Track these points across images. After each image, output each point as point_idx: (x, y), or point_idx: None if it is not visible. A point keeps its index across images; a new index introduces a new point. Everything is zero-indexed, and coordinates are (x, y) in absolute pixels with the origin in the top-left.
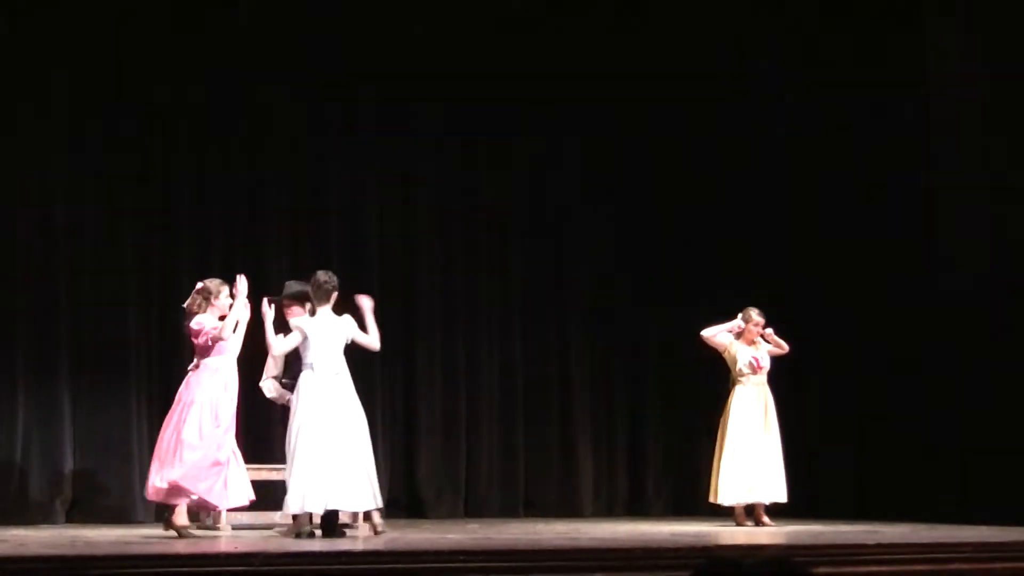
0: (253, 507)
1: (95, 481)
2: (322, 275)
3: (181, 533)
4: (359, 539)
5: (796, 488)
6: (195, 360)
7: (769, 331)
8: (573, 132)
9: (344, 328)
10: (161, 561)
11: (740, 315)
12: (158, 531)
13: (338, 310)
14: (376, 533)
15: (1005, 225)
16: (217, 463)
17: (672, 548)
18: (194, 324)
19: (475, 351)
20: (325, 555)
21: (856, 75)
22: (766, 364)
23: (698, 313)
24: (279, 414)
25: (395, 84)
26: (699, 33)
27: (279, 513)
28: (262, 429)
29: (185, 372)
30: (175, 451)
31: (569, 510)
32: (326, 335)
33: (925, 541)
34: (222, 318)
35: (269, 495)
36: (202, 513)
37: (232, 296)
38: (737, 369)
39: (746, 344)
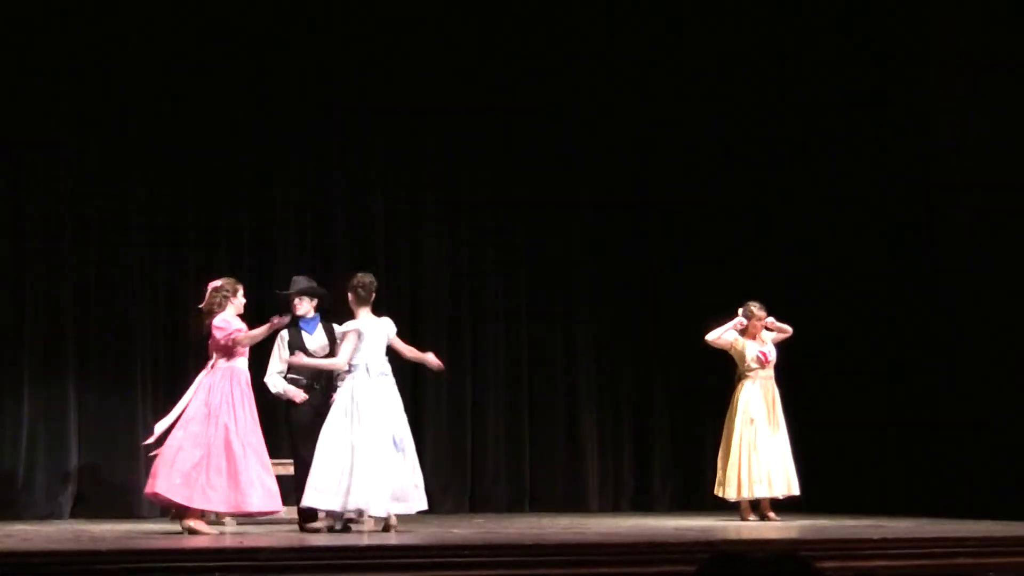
0: None
1: (100, 476)
2: (364, 277)
3: (192, 530)
4: (364, 534)
5: (802, 482)
6: (213, 359)
7: (770, 319)
8: (582, 130)
9: (386, 329)
10: (166, 556)
11: (740, 311)
12: (163, 526)
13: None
14: (388, 530)
15: (1007, 224)
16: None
17: (677, 543)
18: (219, 322)
19: (481, 346)
20: (331, 550)
21: (856, 74)
22: (773, 358)
23: (704, 307)
24: (283, 409)
25: (398, 82)
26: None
27: (283, 508)
28: (266, 425)
29: (186, 368)
30: (224, 462)
31: (575, 505)
32: (374, 336)
33: (930, 536)
34: (239, 316)
35: None
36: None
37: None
38: (745, 364)
39: (751, 339)
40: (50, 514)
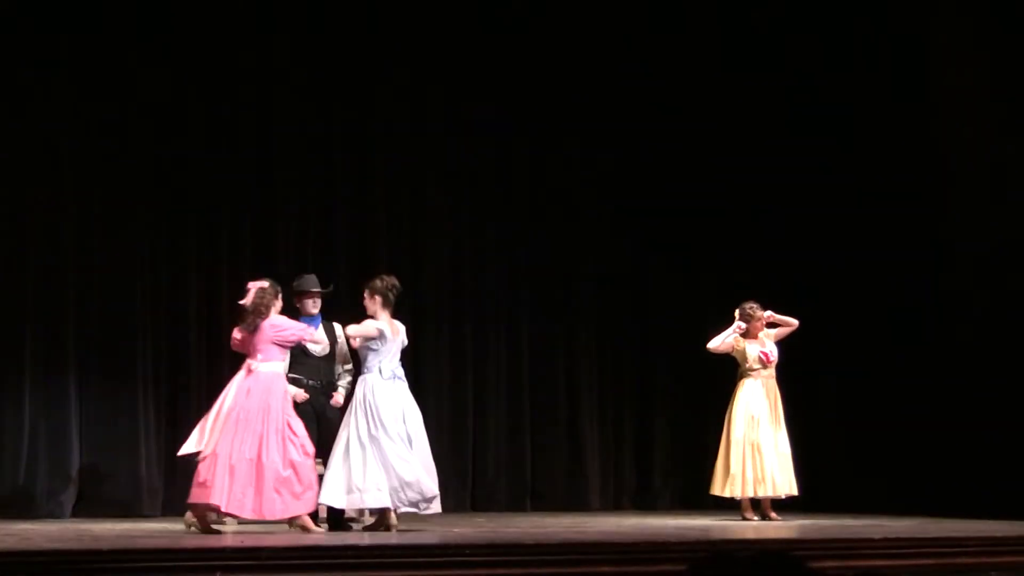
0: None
1: (101, 475)
2: (391, 279)
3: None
4: (365, 533)
5: (803, 482)
6: (258, 357)
7: (770, 313)
8: (579, 125)
9: (403, 334)
10: (167, 556)
11: (737, 313)
12: (164, 525)
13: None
14: (388, 529)
15: (1010, 222)
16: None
17: (679, 542)
18: (276, 321)
19: (482, 345)
20: (332, 549)
21: (858, 72)
22: (775, 357)
23: (706, 306)
24: None
25: (402, 80)
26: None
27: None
28: None
29: (187, 366)
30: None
31: (576, 503)
32: (394, 340)
33: (931, 535)
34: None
35: None
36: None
37: None
38: (748, 364)
39: (753, 338)
40: (51, 513)
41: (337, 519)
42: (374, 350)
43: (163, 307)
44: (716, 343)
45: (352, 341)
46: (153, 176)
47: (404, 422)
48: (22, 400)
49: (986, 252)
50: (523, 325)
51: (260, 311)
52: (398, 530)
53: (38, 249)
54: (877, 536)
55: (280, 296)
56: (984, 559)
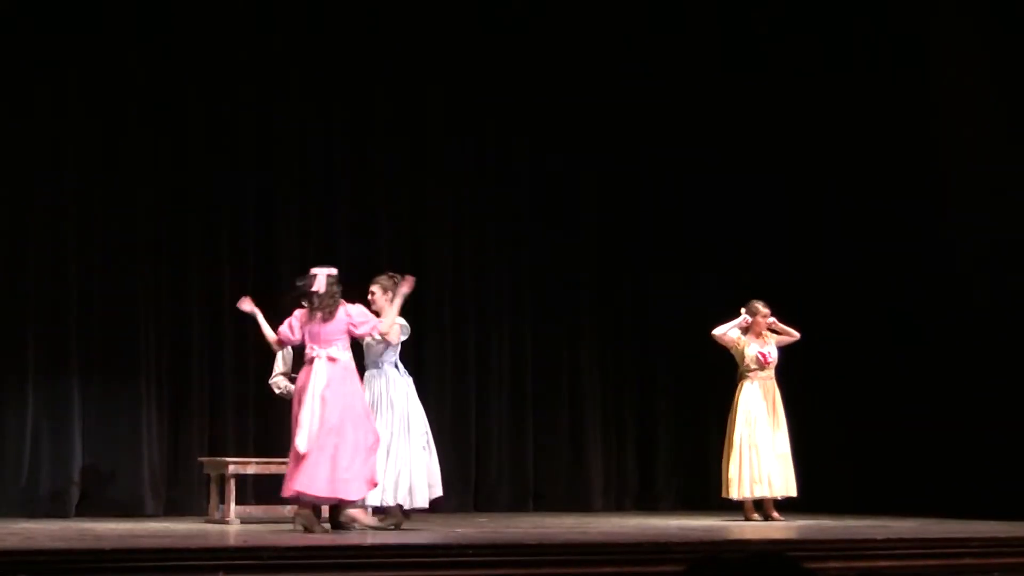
0: (261, 501)
1: (104, 474)
2: (396, 276)
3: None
4: (368, 533)
5: (805, 482)
6: (337, 345)
7: (773, 320)
8: (579, 124)
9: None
10: (170, 555)
11: (744, 309)
12: (167, 525)
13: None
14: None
15: (1010, 222)
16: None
17: (681, 543)
18: (353, 310)
19: (485, 345)
20: (335, 549)
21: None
22: (774, 359)
23: (708, 306)
24: (288, 409)
25: (402, 80)
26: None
27: (288, 507)
28: (273, 424)
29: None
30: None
31: (579, 504)
32: (404, 337)
33: (935, 536)
34: None
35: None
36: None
37: None
38: (745, 364)
39: (754, 337)
40: (53, 512)
41: (338, 518)
42: (393, 345)
43: (165, 307)
44: (721, 330)
45: (387, 336)
46: (154, 176)
47: (421, 419)
48: (25, 400)
49: (986, 252)
50: (525, 325)
51: (334, 299)
52: (400, 529)
53: (39, 249)
54: (880, 537)
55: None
56: (988, 560)
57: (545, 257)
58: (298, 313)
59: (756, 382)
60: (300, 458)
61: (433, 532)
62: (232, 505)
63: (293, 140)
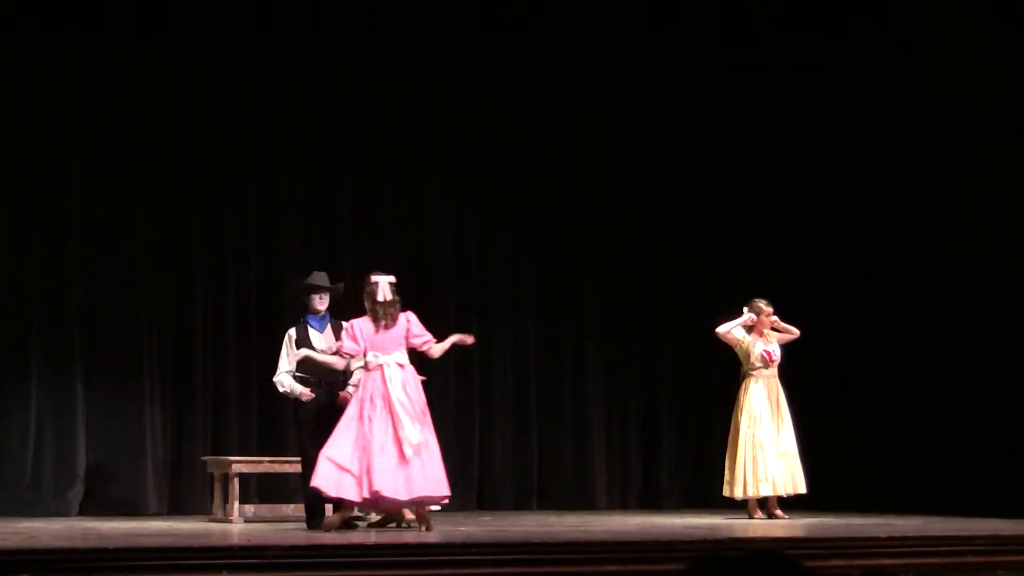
0: (264, 500)
1: (108, 474)
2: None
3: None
4: (371, 532)
5: (808, 481)
6: (400, 353)
7: (775, 319)
8: (580, 124)
9: None
10: (173, 554)
11: (747, 308)
12: (170, 524)
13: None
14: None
15: (1010, 222)
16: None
17: (685, 541)
18: (419, 326)
19: (489, 344)
20: (338, 548)
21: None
22: (778, 357)
23: (711, 305)
24: (291, 408)
25: (403, 80)
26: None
27: (291, 506)
28: (275, 423)
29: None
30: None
31: (583, 503)
32: None
33: (938, 534)
34: None
35: (281, 488)
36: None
37: None
38: (750, 363)
39: (758, 336)
40: (57, 511)
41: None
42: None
43: (169, 306)
44: (725, 328)
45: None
46: (157, 176)
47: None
48: (29, 399)
49: (986, 252)
50: (529, 325)
51: (397, 306)
52: (403, 528)
53: (43, 249)
54: (883, 535)
55: None
56: (991, 558)
57: (548, 256)
58: (356, 323)
59: (760, 381)
60: (403, 461)
61: (437, 530)
62: (235, 504)
63: (295, 140)
